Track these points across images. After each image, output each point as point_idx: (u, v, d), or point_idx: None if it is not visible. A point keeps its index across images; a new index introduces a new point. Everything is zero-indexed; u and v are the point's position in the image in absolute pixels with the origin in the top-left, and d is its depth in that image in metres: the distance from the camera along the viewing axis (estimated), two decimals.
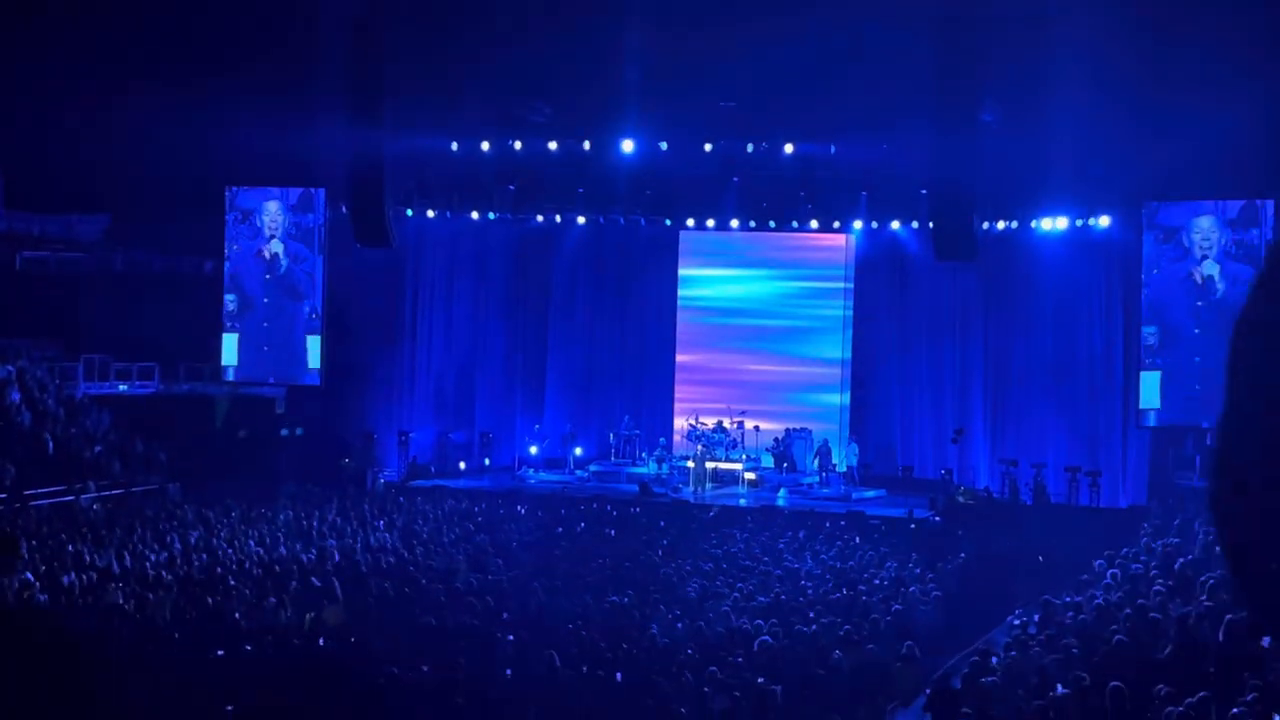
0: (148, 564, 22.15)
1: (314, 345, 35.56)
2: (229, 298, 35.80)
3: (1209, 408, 30.18)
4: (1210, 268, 30.41)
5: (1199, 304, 30.57)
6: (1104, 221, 32.70)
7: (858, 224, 36.56)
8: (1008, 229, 34.33)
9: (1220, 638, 13.73)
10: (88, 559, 22.34)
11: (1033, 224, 33.89)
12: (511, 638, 16.88)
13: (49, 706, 2.18)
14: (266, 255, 35.71)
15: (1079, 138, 30.00)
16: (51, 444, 32.24)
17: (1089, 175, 31.62)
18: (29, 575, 20.12)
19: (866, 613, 18.92)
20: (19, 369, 34.20)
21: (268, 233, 35.75)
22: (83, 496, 29.87)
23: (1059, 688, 13.57)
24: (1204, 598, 16.05)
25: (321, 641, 17.06)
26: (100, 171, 35.63)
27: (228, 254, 35.93)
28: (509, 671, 15.35)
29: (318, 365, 35.54)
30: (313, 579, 20.59)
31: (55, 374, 35.42)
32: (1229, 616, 13.87)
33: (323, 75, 33.06)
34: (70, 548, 23.23)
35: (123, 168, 34.76)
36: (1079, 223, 33.12)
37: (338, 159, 32.17)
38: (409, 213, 36.50)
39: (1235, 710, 11.19)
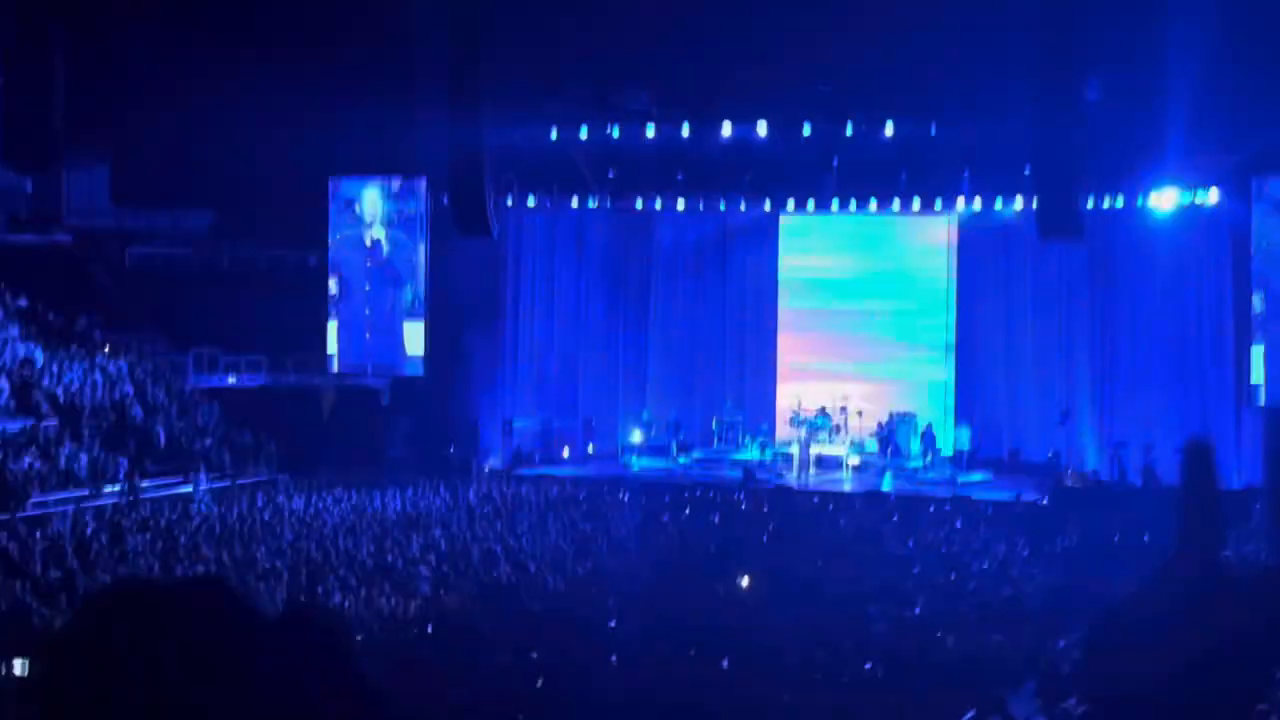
0: (258, 554, 22.43)
1: (414, 332, 35.87)
2: (330, 280, 36.26)
3: None
4: None
5: None
6: (1213, 195, 32.15)
7: (960, 203, 36.14)
8: (1113, 205, 33.82)
9: None
10: (200, 549, 22.67)
11: (1139, 200, 33.40)
12: (614, 624, 16.91)
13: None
14: (368, 242, 36.05)
15: (1186, 109, 29.52)
16: (163, 436, 32.73)
17: (1196, 148, 31.12)
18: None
19: (974, 597, 18.76)
20: (130, 363, 34.75)
21: (368, 219, 36.08)
22: (196, 489, 30.31)
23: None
24: None
25: (431, 629, 17.18)
26: (204, 165, 36.02)
27: (333, 243, 36.36)
28: (614, 658, 15.37)
29: (419, 353, 35.83)
30: (421, 568, 20.77)
31: (165, 367, 35.92)
32: None
33: (422, 64, 33.26)
34: (183, 539, 23.58)
35: (226, 161, 35.09)
36: (1186, 197, 32.59)
37: (438, 147, 32.34)
38: (509, 201, 36.68)
39: None
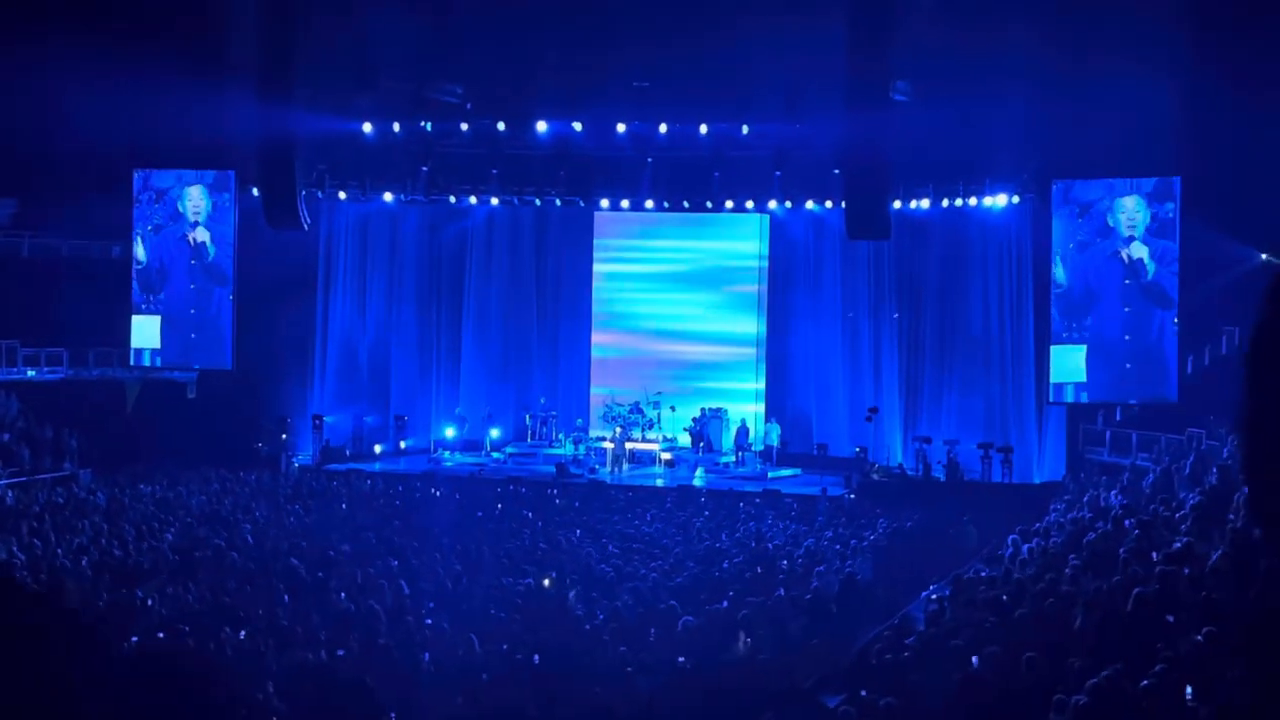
0: (58, 551, 21.83)
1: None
2: (153, 276, 35.57)
3: (1138, 385, 30.72)
4: (1139, 250, 30.78)
5: (1127, 283, 30.94)
6: (1015, 199, 33.07)
7: (772, 203, 36.64)
8: (920, 207, 34.58)
9: (1129, 608, 13.90)
10: None
11: (945, 202, 34.20)
12: (430, 620, 16.82)
13: None
14: (192, 241, 35.45)
15: (991, 117, 30.27)
16: None
17: (1001, 153, 31.97)
18: None
19: (782, 590, 19.00)
20: None
21: (191, 218, 35.47)
22: None
23: (974, 661, 13.69)
24: (1115, 572, 16.25)
25: (236, 626, 16.89)
26: (6, 154, 34.99)
27: (142, 235, 35.63)
28: (427, 655, 15.28)
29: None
30: (228, 563, 20.42)
31: None
32: (1137, 589, 14.05)
33: (233, 56, 32.69)
34: None
35: (29, 150, 34.16)
36: (990, 200, 33.46)
37: (248, 141, 31.82)
38: (320, 195, 36.25)
39: (1145, 682, 11.33)
